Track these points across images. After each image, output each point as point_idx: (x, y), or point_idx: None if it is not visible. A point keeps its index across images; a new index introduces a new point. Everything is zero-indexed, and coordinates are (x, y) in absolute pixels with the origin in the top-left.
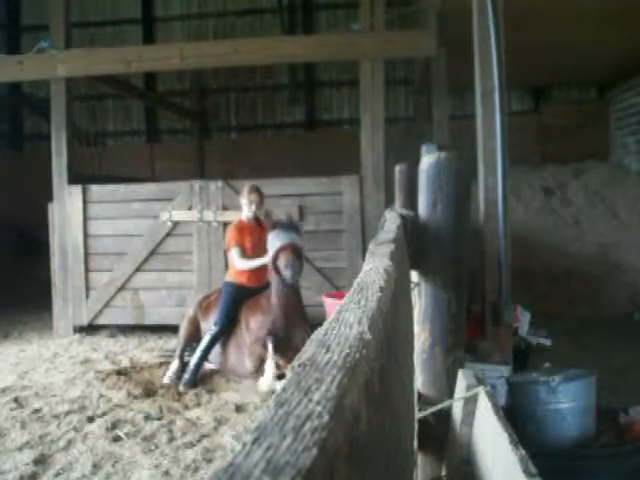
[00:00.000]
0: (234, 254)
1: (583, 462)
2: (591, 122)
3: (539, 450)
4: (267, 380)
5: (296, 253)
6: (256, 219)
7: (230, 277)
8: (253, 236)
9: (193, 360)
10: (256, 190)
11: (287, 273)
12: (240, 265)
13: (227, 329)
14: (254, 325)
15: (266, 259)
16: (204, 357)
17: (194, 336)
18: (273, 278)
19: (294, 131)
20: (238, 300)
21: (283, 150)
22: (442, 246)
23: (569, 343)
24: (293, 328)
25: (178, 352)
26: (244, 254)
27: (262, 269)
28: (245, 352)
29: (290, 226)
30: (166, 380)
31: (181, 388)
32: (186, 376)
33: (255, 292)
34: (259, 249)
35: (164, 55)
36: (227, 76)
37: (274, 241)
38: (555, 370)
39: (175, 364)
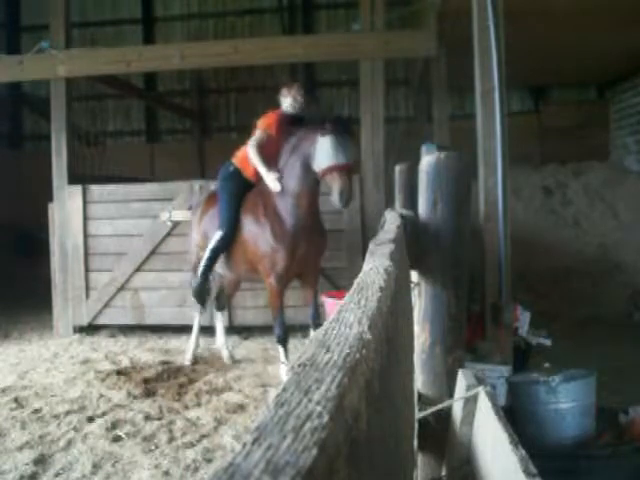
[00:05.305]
0: (255, 137)
1: (583, 462)
2: (591, 122)
3: (539, 450)
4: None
5: (351, 176)
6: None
7: (237, 160)
8: (281, 136)
9: (200, 268)
10: (297, 87)
11: (339, 198)
12: (251, 152)
13: (233, 232)
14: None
15: (269, 175)
16: (210, 264)
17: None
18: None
19: None
20: (240, 194)
21: None
22: (442, 246)
23: (569, 343)
24: (310, 245)
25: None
26: (262, 148)
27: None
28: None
29: (345, 131)
30: (187, 362)
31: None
32: (194, 284)
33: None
34: (275, 153)
35: (164, 55)
36: (227, 76)
37: (325, 152)
38: (555, 370)
39: (192, 342)
